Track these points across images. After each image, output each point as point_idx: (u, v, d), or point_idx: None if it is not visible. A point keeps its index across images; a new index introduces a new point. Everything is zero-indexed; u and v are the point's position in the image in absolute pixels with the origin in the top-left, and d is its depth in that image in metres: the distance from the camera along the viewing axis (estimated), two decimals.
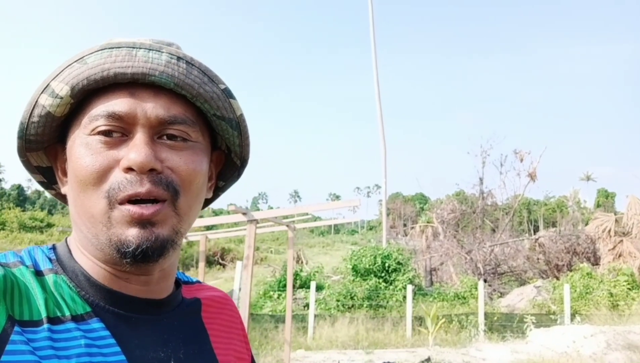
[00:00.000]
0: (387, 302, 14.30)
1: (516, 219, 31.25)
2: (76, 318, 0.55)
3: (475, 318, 12.11)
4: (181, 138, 0.60)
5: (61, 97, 0.57)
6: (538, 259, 19.06)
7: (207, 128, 0.65)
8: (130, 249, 0.55)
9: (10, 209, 36.76)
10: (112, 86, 0.58)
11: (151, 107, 0.58)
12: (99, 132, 0.57)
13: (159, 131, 0.59)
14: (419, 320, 12.00)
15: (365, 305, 14.07)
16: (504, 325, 12.08)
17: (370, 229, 78.19)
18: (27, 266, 0.57)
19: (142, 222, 0.56)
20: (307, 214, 8.33)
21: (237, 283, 10.11)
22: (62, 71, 0.58)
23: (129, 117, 0.57)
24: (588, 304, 13.07)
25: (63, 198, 0.68)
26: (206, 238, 8.32)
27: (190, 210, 0.62)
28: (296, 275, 16.10)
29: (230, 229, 9.74)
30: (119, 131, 0.57)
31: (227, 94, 0.63)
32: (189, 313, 0.70)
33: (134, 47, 0.58)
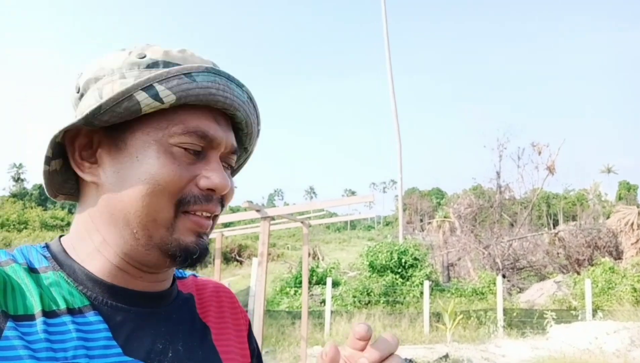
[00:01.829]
0: (404, 298, 14.21)
1: (535, 214, 30.78)
2: (72, 311, 0.56)
3: (493, 314, 11.96)
4: (229, 164, 0.68)
5: (163, 103, 0.59)
6: (558, 253, 18.73)
7: None
8: (188, 254, 0.61)
9: (32, 208, 37.58)
10: (199, 106, 0.62)
11: (230, 138, 0.65)
12: (185, 148, 0.61)
13: (222, 157, 0.66)
14: (436, 316, 11.90)
15: (382, 301, 14.01)
16: (524, 321, 11.90)
17: (387, 225, 77.92)
18: (19, 264, 0.57)
19: (200, 232, 0.62)
20: (322, 210, 8.30)
21: (254, 279, 10.16)
22: (170, 78, 0.59)
23: (215, 142, 0.63)
24: (610, 299, 12.79)
25: (51, 176, 0.64)
26: (222, 236, 8.36)
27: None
28: (312, 272, 16.11)
29: (247, 226, 9.78)
30: (199, 149, 0.62)
31: (259, 134, 0.73)
32: (186, 305, 0.71)
33: (228, 79, 0.63)
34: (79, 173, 0.63)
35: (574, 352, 8.72)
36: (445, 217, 25.43)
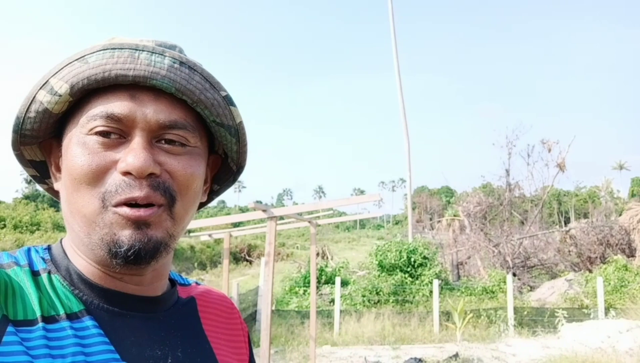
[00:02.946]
0: (414, 297, 14.14)
1: (546, 211, 30.47)
2: (70, 317, 0.55)
3: (504, 312, 11.86)
4: (179, 143, 0.60)
5: (60, 95, 0.57)
6: (569, 251, 18.52)
7: (205, 133, 0.65)
8: (122, 249, 0.55)
9: (44, 210, 37.99)
10: (112, 87, 0.57)
11: (151, 111, 0.57)
12: (97, 133, 0.56)
13: (157, 135, 0.58)
14: (446, 315, 11.83)
15: (391, 300, 13.96)
16: (535, 320, 11.78)
17: (396, 223, 77.68)
18: (21, 267, 0.57)
19: (137, 223, 0.56)
20: (331, 209, 8.28)
21: (262, 279, 10.17)
22: (62, 68, 0.57)
23: (129, 120, 0.56)
24: (623, 297, 12.62)
25: (55, 193, 0.67)
26: (230, 236, 8.38)
27: (186, 214, 0.62)
28: (321, 271, 16.10)
29: (256, 226, 9.81)
30: (117, 132, 0.57)
31: (228, 101, 0.63)
32: (186, 312, 0.69)
33: (136, 49, 0.57)
34: (54, 185, 0.65)
35: (586, 351, 8.62)
36: (454, 215, 25.27)
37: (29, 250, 0.62)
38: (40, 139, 0.62)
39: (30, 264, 0.59)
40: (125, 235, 0.55)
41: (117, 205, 0.55)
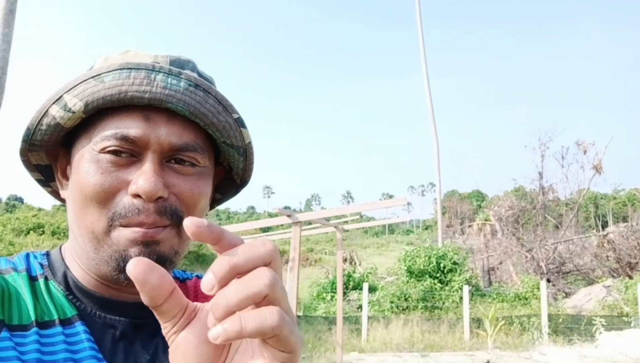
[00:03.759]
0: (443, 303, 13.90)
1: (582, 215, 29.51)
2: (63, 322, 0.56)
3: (538, 320, 11.50)
4: (189, 163, 0.60)
5: (73, 112, 0.57)
6: (607, 256, 17.84)
7: (213, 149, 0.66)
8: None
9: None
10: (126, 106, 0.58)
11: (164, 134, 0.58)
12: (109, 152, 0.57)
13: (168, 156, 0.59)
14: (477, 322, 11.56)
15: (420, 307, 13.76)
16: (571, 328, 11.38)
17: (426, 229, 76.66)
18: (18, 272, 0.58)
19: (145, 241, 0.57)
20: (358, 214, 8.24)
21: (287, 285, 10.20)
22: (77, 85, 0.57)
23: (142, 141, 0.57)
24: None
25: (58, 196, 0.69)
26: None
27: None
28: (349, 277, 16.02)
29: (286, 230, 9.90)
30: (129, 153, 0.57)
31: (239, 123, 0.63)
32: None
33: (153, 70, 0.57)
34: (60, 191, 0.66)
35: (627, 360, 8.26)
36: (485, 220, 24.73)
37: (27, 255, 0.63)
38: (48, 148, 0.63)
39: (29, 269, 0.60)
40: (134, 252, 0.56)
41: (124, 226, 0.57)
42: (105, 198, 0.56)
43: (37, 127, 0.59)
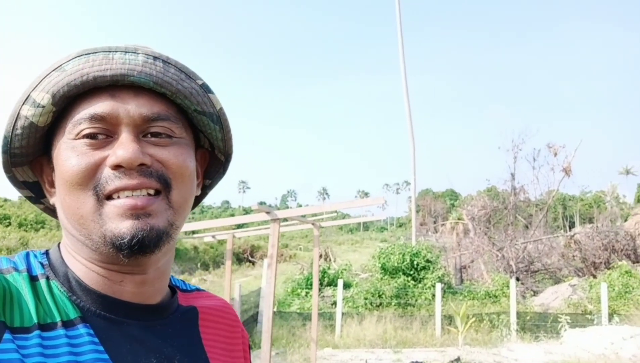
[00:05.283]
0: (416, 301, 14.11)
1: (550, 216, 30.32)
2: (66, 324, 0.55)
3: (507, 317, 11.81)
4: (166, 135, 0.61)
5: (43, 106, 0.57)
6: (574, 256, 18.40)
7: (189, 126, 0.66)
8: (126, 240, 0.55)
9: None
10: (93, 90, 0.59)
11: (133, 107, 0.58)
12: (84, 136, 0.57)
13: (143, 130, 0.59)
14: (448, 319, 11.79)
15: (393, 304, 13.93)
16: (537, 325, 11.72)
17: (400, 226, 77.52)
18: (19, 272, 0.57)
19: (136, 213, 0.56)
20: (334, 212, 8.28)
21: (264, 280, 10.18)
22: (42, 80, 0.58)
23: (112, 117, 0.57)
24: (627, 304, 12.52)
25: (52, 212, 0.68)
26: (233, 237, 8.39)
27: (184, 203, 0.62)
28: (324, 273, 16.08)
29: (260, 227, 9.83)
30: (103, 133, 0.58)
31: (206, 89, 0.64)
32: (184, 321, 0.69)
33: (109, 51, 0.58)
34: (50, 201, 0.66)
35: (589, 357, 8.58)
36: (458, 219, 25.20)
37: (27, 254, 0.62)
38: (30, 158, 0.63)
39: (29, 269, 0.59)
40: (126, 226, 0.56)
41: (109, 197, 0.56)
42: (86, 177, 0.56)
43: (12, 133, 0.59)
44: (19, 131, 0.59)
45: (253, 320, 11.88)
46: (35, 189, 0.67)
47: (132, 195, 0.56)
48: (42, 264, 0.61)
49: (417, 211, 31.08)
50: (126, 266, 0.59)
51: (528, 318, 12.02)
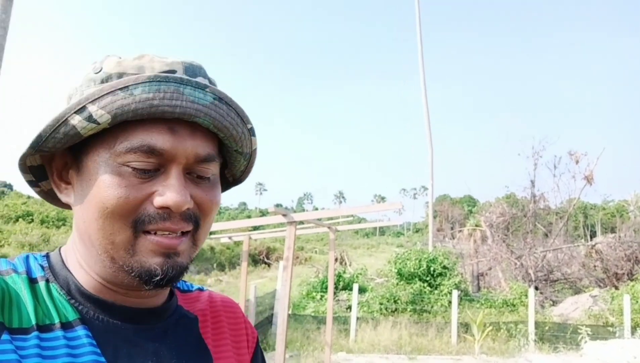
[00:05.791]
0: (432, 307, 13.96)
1: (571, 224, 29.75)
2: (65, 326, 0.56)
3: (524, 326, 11.60)
4: (208, 178, 0.62)
5: (98, 123, 0.55)
6: (595, 266, 18.00)
7: (222, 156, 0.67)
8: (157, 278, 0.57)
9: None
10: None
11: (190, 146, 0.58)
12: (135, 167, 0.56)
13: (190, 168, 0.60)
14: (464, 327, 11.63)
15: (409, 309, 13.80)
16: (556, 336, 11.48)
17: (417, 231, 76.95)
18: (19, 274, 0.58)
19: (167, 252, 0.58)
20: (350, 216, 8.25)
21: (280, 283, 10.19)
22: (103, 96, 0.55)
23: (170, 154, 0.57)
24: None
25: (47, 196, 0.68)
26: (249, 238, 8.43)
27: (204, 238, 0.65)
28: (339, 277, 16.04)
29: (276, 229, 9.87)
30: (155, 168, 0.58)
31: (252, 133, 0.66)
32: (184, 323, 0.69)
33: (181, 83, 0.57)
34: (58, 194, 0.65)
35: None
36: (476, 225, 24.90)
37: (27, 257, 0.62)
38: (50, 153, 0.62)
39: (29, 271, 0.59)
40: (157, 263, 0.57)
41: (147, 232, 0.57)
42: (128, 210, 0.56)
43: (51, 135, 0.57)
44: (60, 136, 0.57)
45: (268, 322, 11.90)
46: (37, 173, 0.66)
47: (169, 234, 0.58)
48: (42, 267, 0.61)
49: (434, 217, 30.81)
50: (137, 289, 0.60)
51: (547, 328, 11.78)
